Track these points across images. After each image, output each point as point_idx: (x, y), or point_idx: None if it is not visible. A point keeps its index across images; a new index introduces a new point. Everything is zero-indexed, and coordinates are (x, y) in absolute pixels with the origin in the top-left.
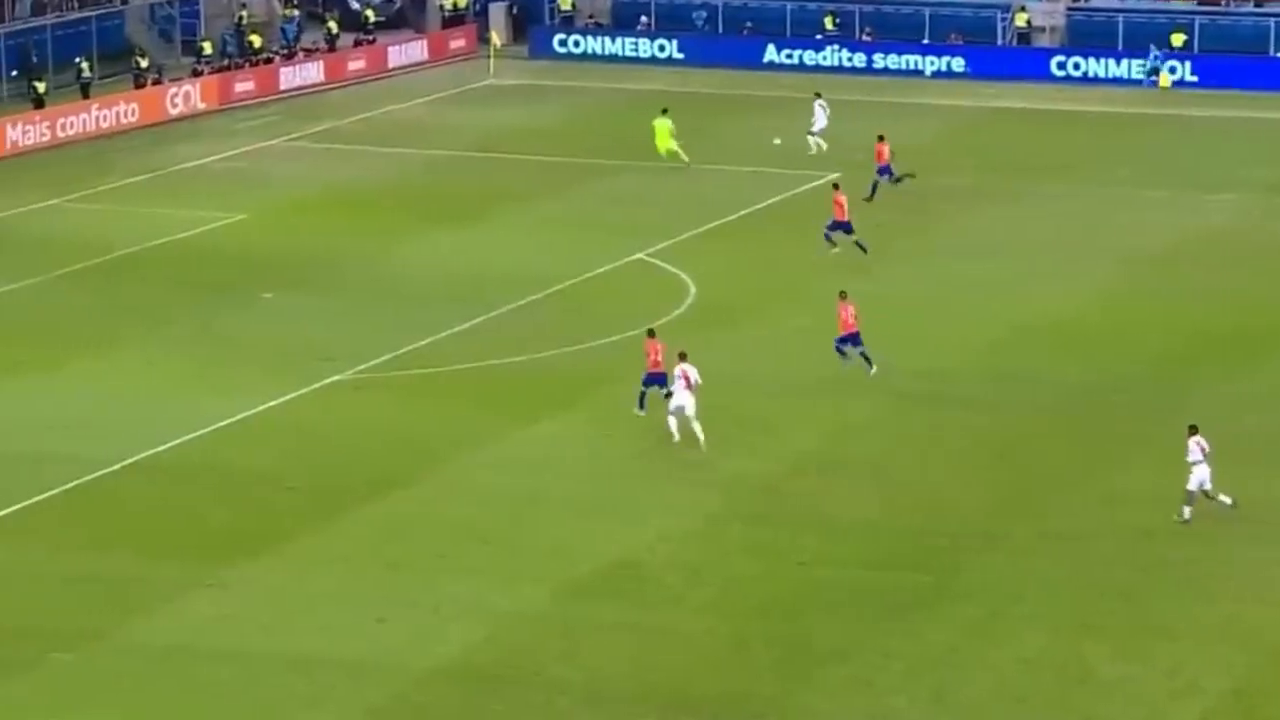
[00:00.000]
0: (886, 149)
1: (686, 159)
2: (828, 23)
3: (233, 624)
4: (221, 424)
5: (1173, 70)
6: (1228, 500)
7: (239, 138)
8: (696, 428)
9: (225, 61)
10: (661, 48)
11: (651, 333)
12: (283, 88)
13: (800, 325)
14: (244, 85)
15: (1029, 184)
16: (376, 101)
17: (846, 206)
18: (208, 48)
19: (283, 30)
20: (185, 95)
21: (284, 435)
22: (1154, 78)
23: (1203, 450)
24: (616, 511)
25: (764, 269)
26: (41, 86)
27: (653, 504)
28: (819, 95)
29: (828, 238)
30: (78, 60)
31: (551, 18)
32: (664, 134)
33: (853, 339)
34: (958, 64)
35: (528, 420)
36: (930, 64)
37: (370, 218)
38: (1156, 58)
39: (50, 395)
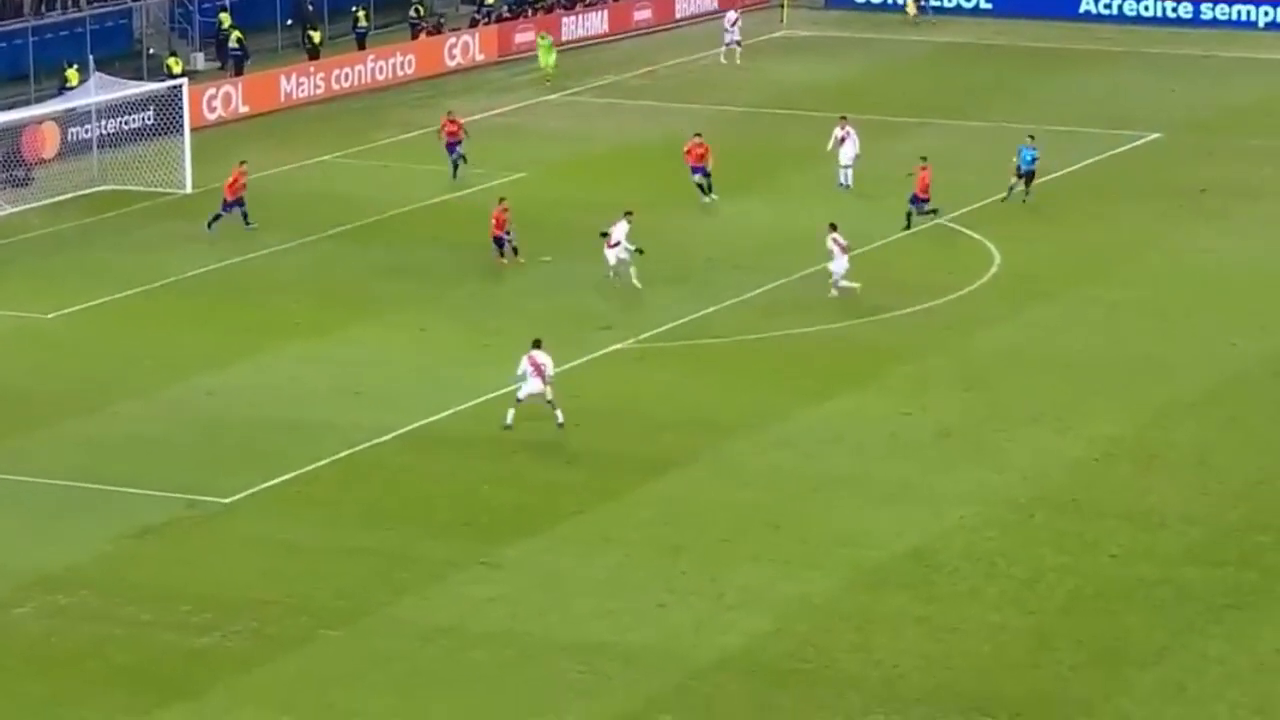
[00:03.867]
0: (929, 175)
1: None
2: None
3: (506, 605)
4: (498, 393)
5: None
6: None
7: (518, 92)
8: (551, 398)
9: (505, 10)
10: None
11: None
12: (565, 39)
13: (1115, 299)
14: (524, 36)
15: None
16: (662, 54)
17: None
18: None
19: None
20: (464, 46)
21: (562, 407)
22: None
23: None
24: (912, 496)
25: (1075, 237)
26: (316, 37)
27: (951, 489)
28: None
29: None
30: (354, 9)
31: None
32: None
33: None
34: None
35: (819, 396)
36: (1265, 14)
37: (653, 178)
38: None
39: (322, 360)
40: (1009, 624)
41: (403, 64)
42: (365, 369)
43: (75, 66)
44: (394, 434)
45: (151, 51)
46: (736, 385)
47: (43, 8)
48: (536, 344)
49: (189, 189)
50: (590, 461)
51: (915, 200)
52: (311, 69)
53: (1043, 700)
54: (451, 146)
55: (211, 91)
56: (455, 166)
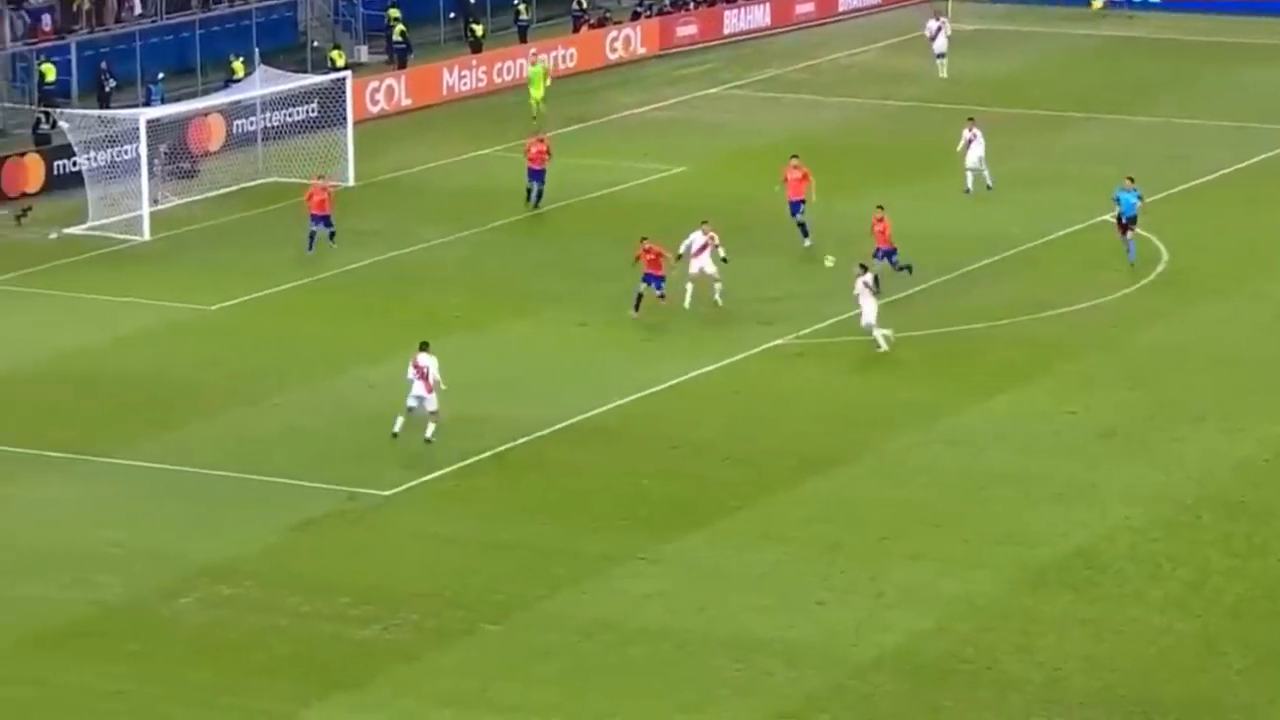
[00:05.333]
0: (888, 227)
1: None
2: None
3: (664, 601)
4: (656, 389)
5: None
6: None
7: (680, 85)
8: (432, 426)
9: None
10: None
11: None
12: (726, 32)
13: None
14: (686, 29)
15: None
16: (824, 47)
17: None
18: None
19: None
20: (625, 39)
21: (721, 402)
22: None
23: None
24: (1077, 496)
25: (1244, 234)
26: (479, 30)
27: (1117, 489)
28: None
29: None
30: (516, 2)
31: None
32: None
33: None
34: None
35: (983, 393)
36: None
37: (816, 170)
38: None
39: (480, 354)
40: (1174, 627)
41: (564, 56)
42: (524, 363)
43: (241, 59)
44: (552, 428)
45: (316, 44)
46: (897, 382)
47: (210, 1)
48: (423, 346)
49: (351, 181)
50: (749, 457)
51: (884, 254)
52: (474, 62)
53: (1208, 704)
54: (536, 174)
55: (375, 84)
56: (533, 193)
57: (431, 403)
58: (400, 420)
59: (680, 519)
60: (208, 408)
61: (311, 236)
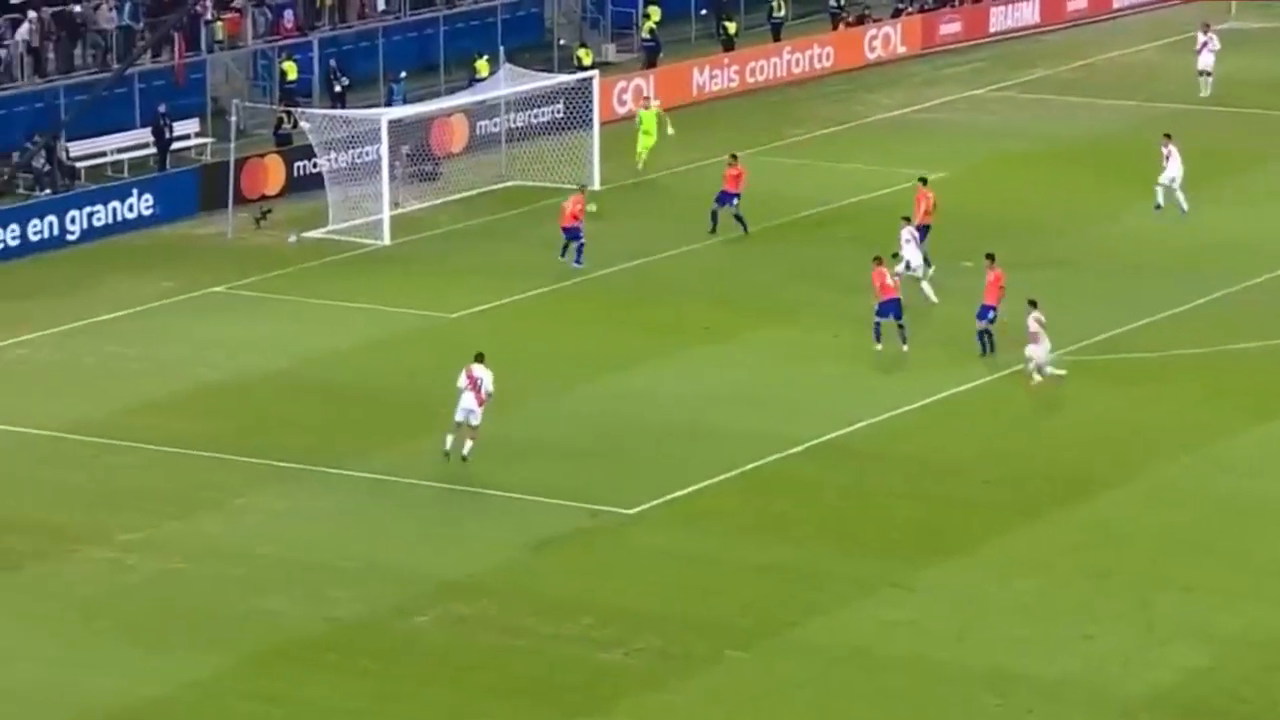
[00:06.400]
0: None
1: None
2: None
3: (919, 630)
4: (912, 406)
5: None
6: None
7: (941, 86)
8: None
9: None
10: None
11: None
12: (992, 30)
13: None
14: (950, 27)
15: None
16: (1098, 46)
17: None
18: None
19: None
20: (885, 38)
21: (979, 422)
22: None
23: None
24: None
25: None
26: (732, 27)
27: None
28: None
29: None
30: None
31: None
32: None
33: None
34: None
35: (1259, 416)
36: None
37: (1085, 179)
38: None
39: (730, 365)
40: None
41: (820, 56)
42: (774, 375)
43: (485, 58)
44: (803, 445)
45: (562, 42)
46: (1169, 402)
47: None
48: (478, 357)
49: (597, 185)
50: (1010, 479)
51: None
52: (726, 61)
53: None
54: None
55: (623, 84)
56: (716, 218)
57: (478, 416)
58: (450, 439)
59: (935, 544)
60: (445, 418)
61: (565, 247)
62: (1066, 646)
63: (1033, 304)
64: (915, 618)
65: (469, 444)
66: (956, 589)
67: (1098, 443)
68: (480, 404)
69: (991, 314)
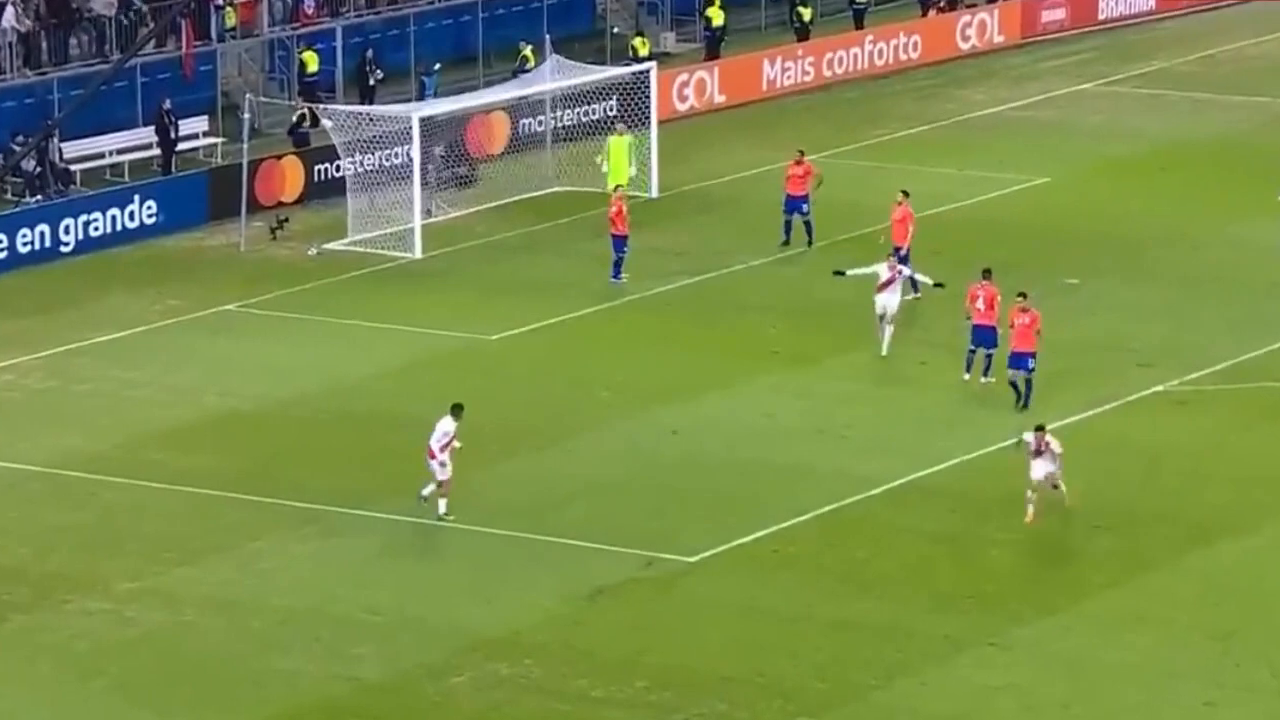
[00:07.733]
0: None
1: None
2: None
3: (1019, 696)
4: (1007, 442)
5: None
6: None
7: (1044, 80)
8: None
9: None
10: None
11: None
12: (1101, 18)
13: None
14: (1052, 14)
15: None
16: (1222, 35)
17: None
18: None
19: None
20: (980, 26)
21: (1087, 459)
22: None
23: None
24: None
25: None
26: (807, 14)
27: None
28: None
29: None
30: None
31: None
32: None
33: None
34: None
35: None
36: None
37: (1205, 185)
38: None
39: (803, 395)
40: None
41: (907, 46)
42: (852, 407)
43: (531, 47)
44: (886, 486)
45: (616, 30)
46: None
47: None
48: (1040, 429)
49: (654, 193)
50: (1122, 525)
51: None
52: (799, 52)
53: None
54: (794, 201)
55: (684, 77)
56: (791, 227)
57: (442, 472)
58: (431, 487)
59: (1037, 597)
60: (484, 454)
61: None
62: (1186, 714)
63: (1040, 429)
64: (1014, 681)
65: (442, 504)
66: (1061, 649)
67: (1223, 483)
68: (433, 457)
69: (1030, 363)
